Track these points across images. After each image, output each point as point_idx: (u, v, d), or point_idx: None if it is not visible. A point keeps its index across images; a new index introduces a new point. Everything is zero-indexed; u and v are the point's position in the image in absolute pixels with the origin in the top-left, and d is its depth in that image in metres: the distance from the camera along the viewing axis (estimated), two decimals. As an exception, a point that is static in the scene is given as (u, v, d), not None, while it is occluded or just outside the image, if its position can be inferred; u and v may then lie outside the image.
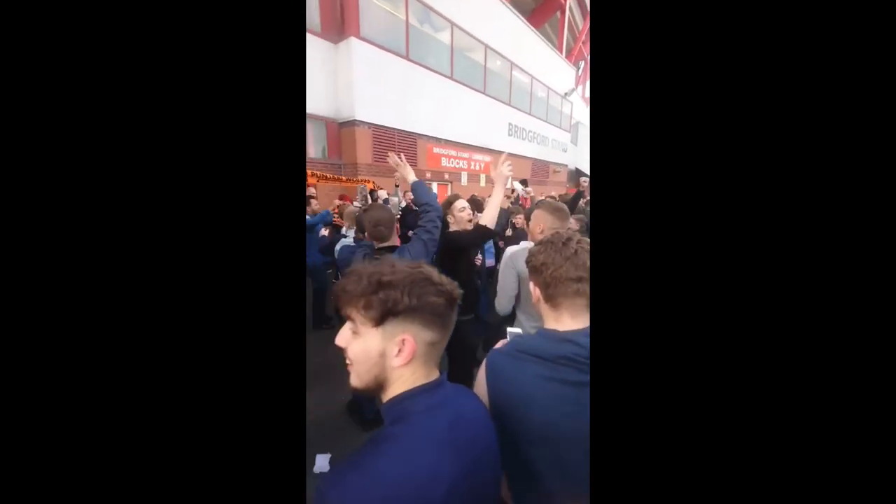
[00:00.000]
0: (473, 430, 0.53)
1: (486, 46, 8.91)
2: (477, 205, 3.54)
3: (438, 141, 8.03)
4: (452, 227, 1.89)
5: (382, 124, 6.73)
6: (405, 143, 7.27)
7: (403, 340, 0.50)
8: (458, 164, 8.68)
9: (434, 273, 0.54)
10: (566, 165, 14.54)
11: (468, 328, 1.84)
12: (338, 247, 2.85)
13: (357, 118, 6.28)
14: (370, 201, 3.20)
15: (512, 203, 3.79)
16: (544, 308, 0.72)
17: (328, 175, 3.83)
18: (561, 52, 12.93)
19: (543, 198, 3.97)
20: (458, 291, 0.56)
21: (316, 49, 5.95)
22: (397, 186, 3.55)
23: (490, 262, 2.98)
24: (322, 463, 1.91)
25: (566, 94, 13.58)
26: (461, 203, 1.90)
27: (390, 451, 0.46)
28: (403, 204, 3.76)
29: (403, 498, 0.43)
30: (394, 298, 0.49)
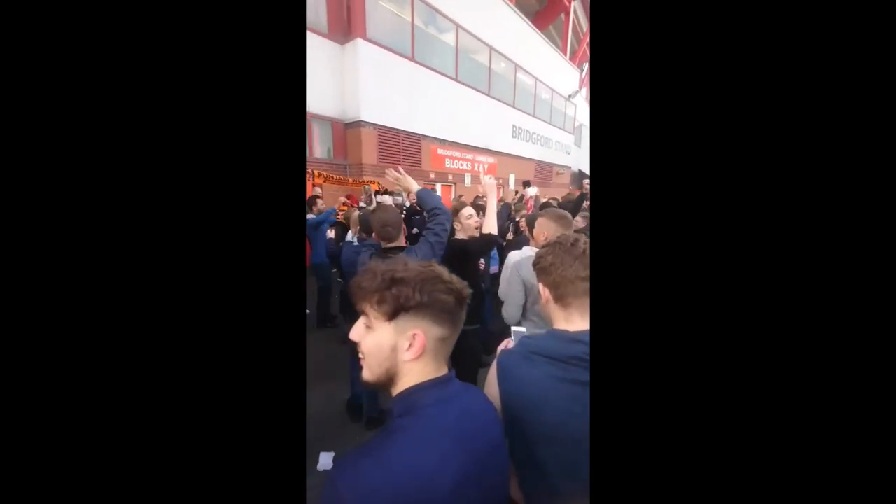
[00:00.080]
0: (480, 424, 0.55)
1: (491, 48, 8.92)
2: (481, 209, 3.55)
3: (442, 142, 8.05)
4: (458, 235, 1.90)
5: (387, 125, 6.76)
6: (410, 144, 7.28)
7: (414, 335, 0.53)
8: (461, 165, 8.68)
9: (444, 272, 0.57)
10: (569, 167, 14.49)
11: (476, 338, 1.85)
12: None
13: (363, 119, 6.31)
14: (374, 201, 3.22)
15: (516, 202, 3.79)
16: (554, 309, 0.72)
17: (334, 176, 3.84)
18: (565, 55, 12.91)
19: (547, 199, 3.97)
20: (468, 291, 0.58)
21: (322, 50, 5.98)
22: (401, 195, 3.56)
23: (494, 268, 2.98)
24: (325, 461, 1.92)
25: (570, 96, 13.54)
26: (468, 210, 1.92)
27: (400, 441, 0.48)
28: (408, 204, 3.79)
29: (412, 486, 0.44)
30: (406, 294, 0.52)
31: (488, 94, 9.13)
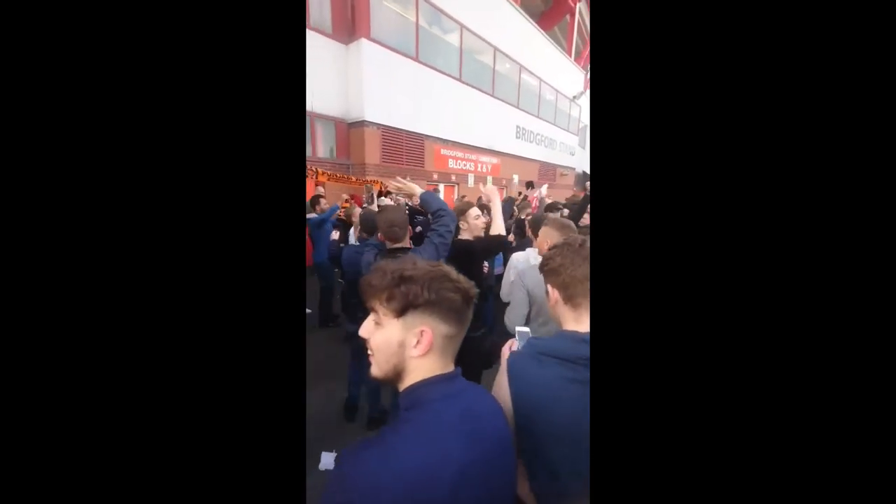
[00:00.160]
0: (485, 422, 0.56)
1: (496, 49, 8.92)
2: (486, 208, 3.55)
3: (446, 142, 8.05)
4: (464, 235, 1.90)
5: (391, 125, 6.77)
6: (413, 144, 7.29)
7: (422, 332, 0.54)
8: (465, 165, 8.69)
9: (452, 271, 0.58)
10: (574, 169, 14.47)
11: (480, 341, 1.86)
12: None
13: (366, 119, 6.32)
14: (375, 200, 3.23)
15: (519, 202, 3.78)
16: (564, 309, 0.73)
17: (338, 175, 3.85)
18: (570, 56, 12.91)
19: (551, 200, 3.96)
20: (475, 290, 0.59)
21: (327, 50, 6.00)
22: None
23: (499, 269, 2.97)
24: (327, 460, 1.92)
25: (575, 97, 13.53)
26: (475, 211, 1.94)
27: (405, 433, 0.50)
28: (409, 205, 3.79)
29: (414, 476, 0.45)
30: (414, 292, 0.53)
31: (492, 95, 9.13)
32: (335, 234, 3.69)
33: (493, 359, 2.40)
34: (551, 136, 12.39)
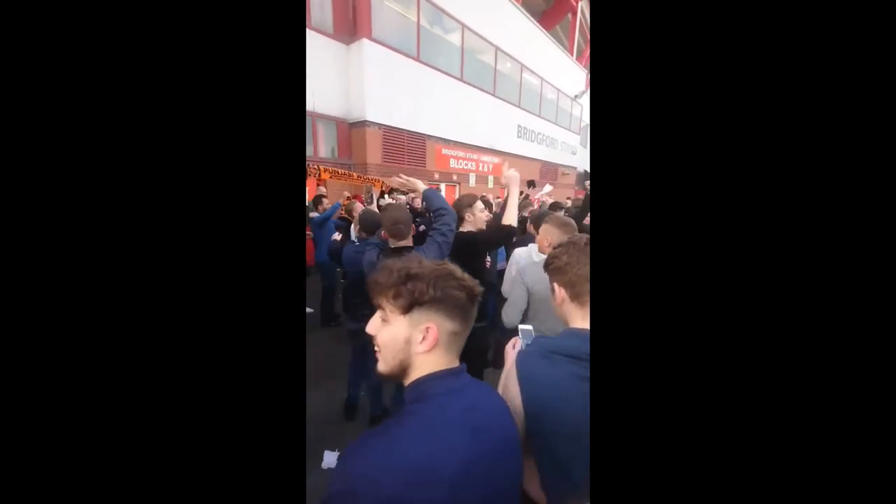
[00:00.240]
0: (490, 418, 0.56)
1: (497, 48, 8.92)
2: (487, 205, 3.56)
3: (447, 142, 8.05)
4: (467, 227, 1.90)
5: (392, 125, 6.77)
6: (414, 143, 7.30)
7: (428, 328, 0.55)
8: (466, 165, 8.69)
9: (457, 270, 0.60)
10: (575, 168, 14.45)
11: (481, 334, 1.86)
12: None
13: (368, 119, 6.33)
14: (375, 200, 3.24)
15: (521, 200, 3.78)
16: (571, 308, 0.73)
17: (340, 171, 3.86)
18: (572, 55, 12.88)
19: (554, 200, 3.96)
20: (479, 289, 0.60)
21: (328, 50, 6.01)
22: (405, 193, 3.58)
23: (502, 264, 2.97)
24: (330, 459, 1.92)
25: (576, 96, 13.51)
26: (480, 204, 1.95)
27: (408, 425, 0.51)
28: (409, 204, 3.81)
29: (415, 468, 0.46)
30: (420, 289, 0.54)
31: (494, 95, 9.12)
32: (337, 235, 3.70)
33: (491, 355, 2.39)
34: (553, 135, 12.37)
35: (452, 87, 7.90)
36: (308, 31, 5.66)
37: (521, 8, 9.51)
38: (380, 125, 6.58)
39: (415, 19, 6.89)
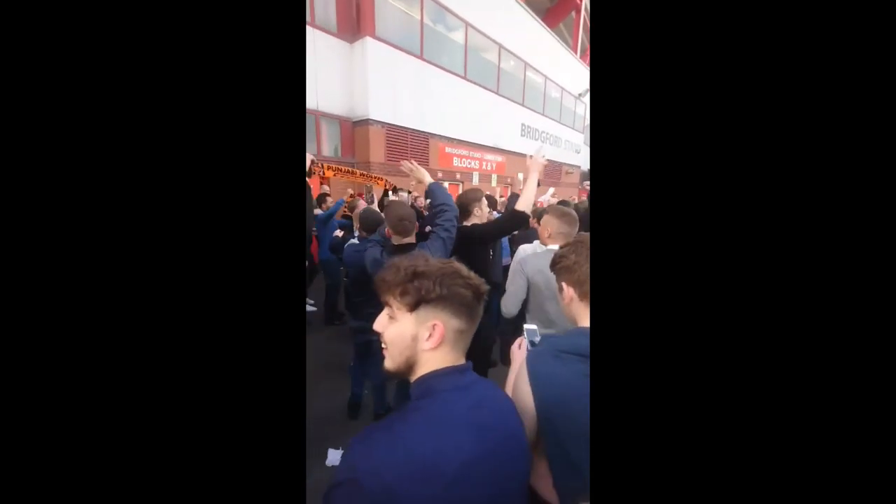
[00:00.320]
0: (495, 416, 0.56)
1: (500, 46, 8.89)
2: (491, 202, 3.56)
3: (451, 140, 8.04)
4: (473, 221, 1.89)
5: (396, 123, 6.77)
6: (418, 142, 7.29)
7: (434, 326, 0.56)
8: (469, 163, 8.67)
9: (463, 268, 0.60)
10: (579, 167, 14.40)
11: (486, 332, 1.85)
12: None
13: (371, 117, 6.33)
14: (376, 200, 3.24)
15: None
16: (580, 307, 0.73)
17: (343, 168, 3.85)
18: (575, 53, 12.82)
19: (560, 200, 3.94)
20: (486, 287, 0.60)
21: (331, 48, 6.01)
22: (409, 192, 3.58)
23: (507, 259, 2.96)
24: (334, 457, 1.93)
25: (580, 94, 13.44)
26: (485, 200, 1.94)
27: (413, 419, 0.51)
28: (411, 203, 3.82)
29: (419, 462, 0.46)
30: (427, 287, 0.55)
31: (497, 93, 9.10)
32: (339, 233, 3.71)
33: (497, 353, 2.38)
34: (557, 133, 12.33)
35: (456, 86, 7.89)
36: (311, 29, 5.67)
37: (524, 6, 9.47)
38: (383, 123, 6.58)
39: (418, 17, 6.88)
